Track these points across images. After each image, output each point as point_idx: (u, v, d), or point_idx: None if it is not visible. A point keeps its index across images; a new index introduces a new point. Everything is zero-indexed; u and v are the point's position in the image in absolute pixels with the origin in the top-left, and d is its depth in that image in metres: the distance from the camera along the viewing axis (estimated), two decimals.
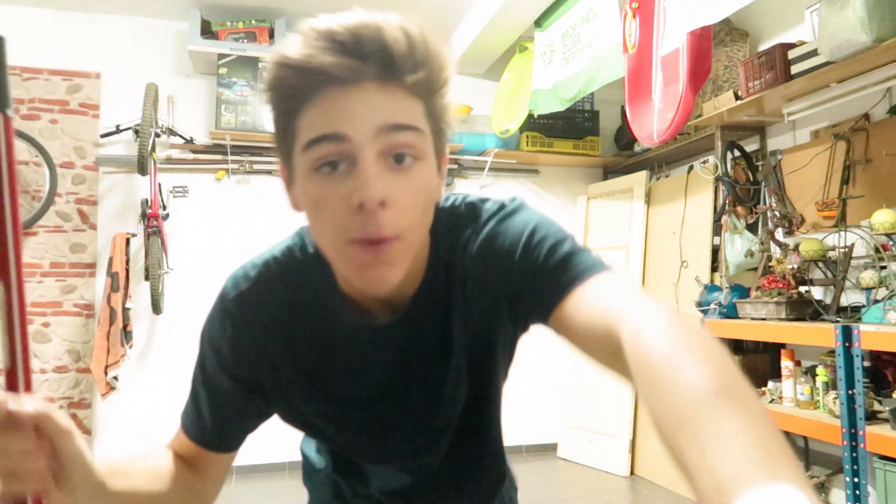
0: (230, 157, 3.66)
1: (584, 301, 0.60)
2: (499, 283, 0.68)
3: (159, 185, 3.45)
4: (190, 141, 3.63)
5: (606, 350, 0.55)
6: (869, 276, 2.34)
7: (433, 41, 0.59)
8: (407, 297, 0.70)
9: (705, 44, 2.70)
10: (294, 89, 0.57)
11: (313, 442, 0.95)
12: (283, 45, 0.57)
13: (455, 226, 0.71)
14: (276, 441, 3.61)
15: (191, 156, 3.68)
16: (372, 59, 0.55)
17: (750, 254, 2.84)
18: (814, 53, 2.42)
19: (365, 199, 0.55)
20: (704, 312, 2.88)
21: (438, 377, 0.74)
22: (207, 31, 3.61)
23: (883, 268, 2.35)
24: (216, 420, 0.74)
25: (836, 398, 2.18)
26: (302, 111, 0.58)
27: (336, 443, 0.82)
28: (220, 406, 0.73)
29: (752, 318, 2.60)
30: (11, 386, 0.52)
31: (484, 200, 0.74)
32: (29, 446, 0.52)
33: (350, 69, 0.55)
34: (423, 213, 0.61)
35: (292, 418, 0.78)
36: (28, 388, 0.53)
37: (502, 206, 0.72)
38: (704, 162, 3.48)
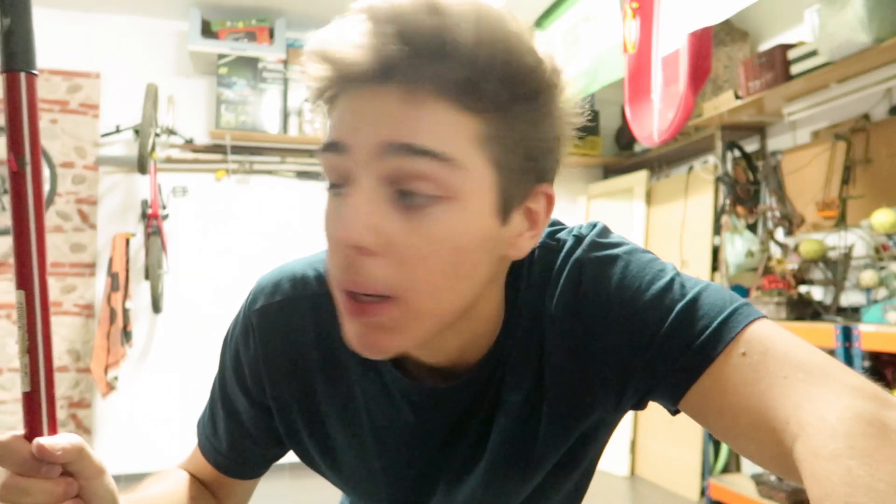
0: (230, 157, 3.66)
1: (729, 382, 0.44)
2: (594, 356, 0.52)
3: (159, 185, 3.45)
4: (190, 141, 3.63)
5: (768, 454, 0.43)
6: (869, 277, 2.34)
7: (510, 34, 0.43)
8: (467, 365, 0.55)
9: (705, 44, 2.69)
10: (320, 85, 0.46)
11: None
12: (327, 26, 0.45)
13: (537, 271, 0.55)
14: None
15: (191, 156, 3.68)
16: (402, 55, 0.41)
17: (750, 254, 2.84)
18: (814, 53, 2.42)
19: (333, 238, 0.43)
20: None
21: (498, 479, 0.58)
22: (207, 31, 3.61)
23: (883, 268, 2.35)
24: (232, 444, 0.64)
25: None
26: (332, 110, 0.47)
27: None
28: (236, 428, 0.63)
29: None
30: (32, 414, 0.43)
31: (557, 229, 0.58)
32: (57, 489, 0.43)
33: (366, 67, 0.42)
34: (444, 273, 0.44)
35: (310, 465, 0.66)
36: (52, 416, 0.43)
37: (578, 241, 0.55)
38: (704, 162, 3.48)
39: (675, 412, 0.51)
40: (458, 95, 0.42)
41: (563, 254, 0.55)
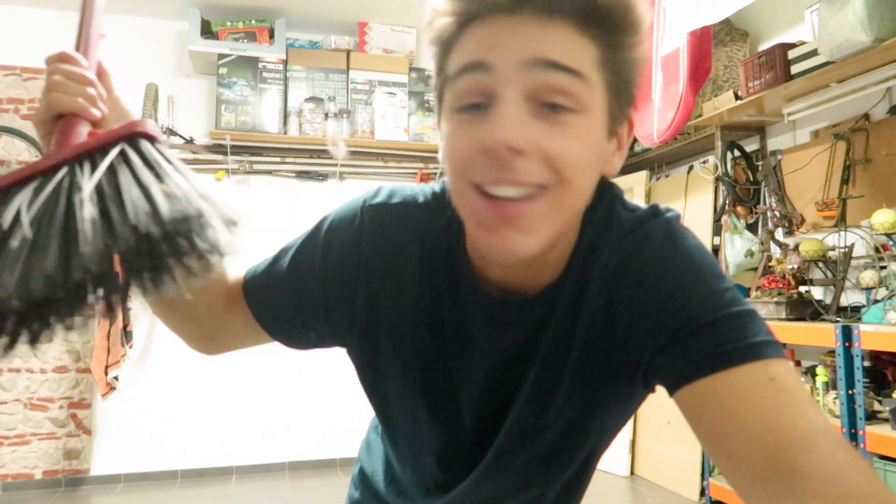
0: (230, 157, 3.66)
1: (747, 389, 0.46)
2: (628, 318, 0.55)
3: None
4: (190, 141, 3.63)
5: (756, 475, 0.43)
6: (869, 276, 2.34)
7: None
8: (535, 290, 0.58)
9: (705, 44, 2.70)
10: (450, 18, 0.51)
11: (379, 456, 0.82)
12: None
13: (608, 219, 0.57)
14: (276, 441, 3.62)
15: (191, 156, 3.68)
16: None
17: (750, 254, 2.84)
18: (814, 53, 2.42)
19: (491, 142, 0.47)
20: None
21: (536, 404, 0.61)
22: (207, 31, 3.61)
23: (883, 268, 2.35)
24: (270, 286, 0.65)
25: (836, 398, 2.18)
26: (456, 44, 0.51)
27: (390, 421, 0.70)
28: (287, 282, 0.64)
29: None
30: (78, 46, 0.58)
31: (627, 200, 0.61)
32: (84, 71, 0.55)
33: None
34: (581, 171, 0.49)
35: (362, 371, 0.67)
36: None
37: (655, 213, 0.58)
38: (704, 162, 3.48)
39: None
40: (584, 22, 0.48)
41: (635, 216, 0.58)
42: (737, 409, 0.45)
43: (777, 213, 2.85)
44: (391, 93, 3.83)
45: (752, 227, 3.01)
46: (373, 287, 0.62)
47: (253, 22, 3.67)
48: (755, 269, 2.86)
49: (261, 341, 0.69)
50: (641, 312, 0.53)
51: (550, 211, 0.49)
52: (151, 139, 0.49)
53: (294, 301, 0.64)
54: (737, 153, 3.08)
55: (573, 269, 0.58)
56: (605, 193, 0.59)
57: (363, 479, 0.85)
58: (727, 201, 2.99)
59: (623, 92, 0.52)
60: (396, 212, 0.62)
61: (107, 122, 0.57)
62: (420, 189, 0.64)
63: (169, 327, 0.69)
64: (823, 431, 0.43)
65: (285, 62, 3.70)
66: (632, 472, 3.46)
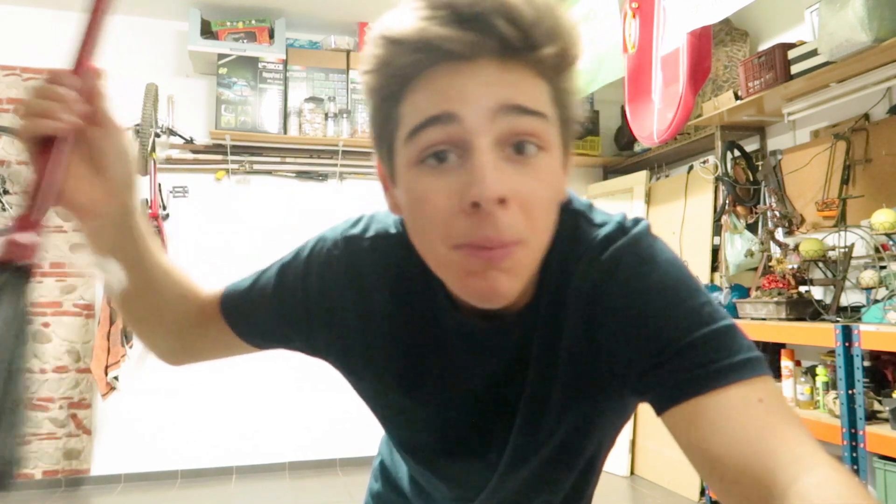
0: (230, 157, 3.66)
1: (726, 413, 0.46)
2: (609, 341, 0.55)
3: (159, 185, 3.45)
4: (190, 141, 3.64)
5: (750, 498, 0.43)
6: (869, 276, 2.34)
7: (562, 12, 0.49)
8: (511, 314, 0.59)
9: (705, 44, 2.70)
10: (398, 69, 0.49)
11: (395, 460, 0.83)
12: (386, 17, 0.49)
13: (574, 237, 0.57)
14: (276, 441, 3.62)
15: (191, 156, 3.68)
16: (492, 32, 0.46)
17: (750, 254, 2.84)
18: (814, 53, 2.42)
19: (481, 197, 0.46)
20: None
21: (529, 415, 0.61)
22: (207, 31, 3.61)
23: (883, 268, 2.35)
24: (247, 298, 0.66)
25: (836, 398, 2.18)
26: (406, 95, 0.49)
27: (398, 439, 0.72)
28: (272, 305, 0.65)
29: (752, 318, 2.60)
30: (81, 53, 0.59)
31: (592, 212, 0.61)
32: (73, 97, 0.55)
33: (465, 43, 0.46)
34: (549, 213, 0.51)
35: (356, 387, 0.69)
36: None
37: (622, 231, 0.57)
38: (704, 162, 3.48)
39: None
40: (537, 64, 0.49)
41: (601, 236, 0.57)
42: (726, 431, 0.45)
43: (777, 213, 2.85)
44: None
45: (752, 227, 3.01)
46: (347, 318, 0.63)
47: (253, 22, 3.67)
48: (755, 269, 2.86)
49: (230, 354, 0.71)
50: (620, 339, 0.53)
51: (527, 256, 0.50)
52: (24, 272, 0.50)
53: (277, 316, 0.65)
54: (737, 153, 3.08)
55: (546, 291, 0.58)
56: (564, 208, 0.58)
57: (384, 472, 0.87)
58: (727, 201, 2.99)
59: (570, 124, 0.54)
60: (370, 243, 0.63)
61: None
62: (393, 219, 0.64)
63: (140, 338, 0.71)
64: (815, 453, 0.43)
65: (285, 62, 3.71)
66: (632, 472, 3.46)
